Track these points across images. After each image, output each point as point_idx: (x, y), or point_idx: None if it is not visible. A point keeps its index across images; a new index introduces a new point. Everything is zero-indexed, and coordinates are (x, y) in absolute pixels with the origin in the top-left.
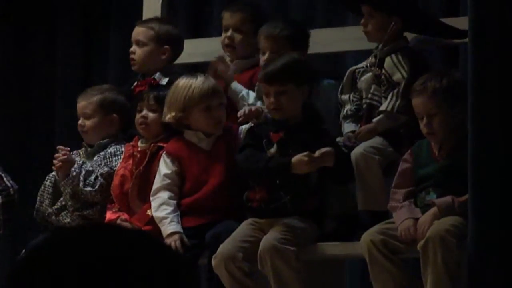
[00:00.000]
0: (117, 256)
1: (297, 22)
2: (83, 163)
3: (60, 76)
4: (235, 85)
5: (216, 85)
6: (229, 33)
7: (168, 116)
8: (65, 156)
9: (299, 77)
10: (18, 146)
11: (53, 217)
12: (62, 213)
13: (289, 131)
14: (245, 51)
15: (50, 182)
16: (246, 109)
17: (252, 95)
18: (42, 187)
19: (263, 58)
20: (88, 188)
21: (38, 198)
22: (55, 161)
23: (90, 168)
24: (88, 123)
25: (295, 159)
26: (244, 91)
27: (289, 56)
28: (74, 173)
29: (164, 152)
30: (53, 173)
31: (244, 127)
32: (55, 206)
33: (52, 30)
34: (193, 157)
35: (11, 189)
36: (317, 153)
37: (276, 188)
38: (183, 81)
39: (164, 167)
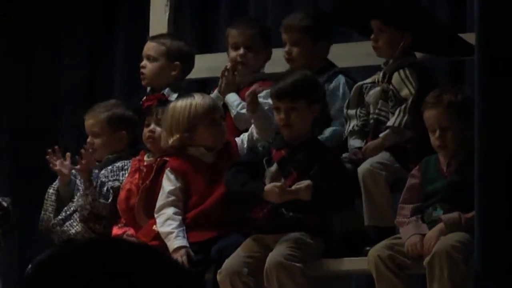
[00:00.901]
0: (124, 270)
1: (319, 11)
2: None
3: (64, 80)
4: (230, 97)
5: (214, 99)
6: (241, 51)
7: (172, 140)
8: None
9: (310, 95)
10: (22, 149)
11: (58, 227)
12: (67, 223)
13: (292, 149)
14: (255, 66)
15: (53, 190)
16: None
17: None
18: (46, 196)
19: (285, 50)
20: (102, 200)
21: (43, 207)
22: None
23: (103, 179)
24: (97, 141)
25: (267, 187)
26: (236, 102)
27: (301, 73)
28: (94, 183)
29: (168, 168)
30: (56, 182)
31: (243, 136)
32: (60, 216)
33: (57, 32)
34: (197, 171)
35: (3, 202)
36: (293, 187)
37: (277, 205)
38: (180, 103)
39: (168, 183)
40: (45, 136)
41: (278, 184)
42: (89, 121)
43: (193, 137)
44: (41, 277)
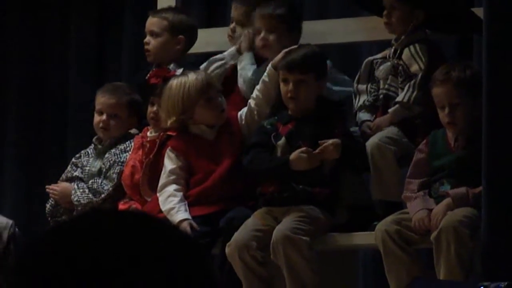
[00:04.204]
0: (131, 242)
1: (290, 2)
2: (81, 180)
3: (72, 56)
4: (249, 58)
5: (209, 75)
6: (232, 25)
7: (170, 122)
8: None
9: (319, 69)
10: (32, 134)
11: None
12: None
13: (298, 123)
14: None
15: (50, 205)
16: None
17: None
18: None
19: (258, 38)
20: (102, 197)
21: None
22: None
23: (107, 164)
24: (113, 122)
25: (293, 156)
26: (255, 71)
27: (310, 47)
28: (82, 201)
29: (169, 147)
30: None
31: (242, 111)
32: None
33: (65, 16)
34: (198, 148)
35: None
36: (318, 149)
37: (287, 180)
38: (175, 82)
39: (169, 162)
40: (54, 112)
41: (303, 149)
42: (111, 101)
43: (191, 117)
44: (31, 253)
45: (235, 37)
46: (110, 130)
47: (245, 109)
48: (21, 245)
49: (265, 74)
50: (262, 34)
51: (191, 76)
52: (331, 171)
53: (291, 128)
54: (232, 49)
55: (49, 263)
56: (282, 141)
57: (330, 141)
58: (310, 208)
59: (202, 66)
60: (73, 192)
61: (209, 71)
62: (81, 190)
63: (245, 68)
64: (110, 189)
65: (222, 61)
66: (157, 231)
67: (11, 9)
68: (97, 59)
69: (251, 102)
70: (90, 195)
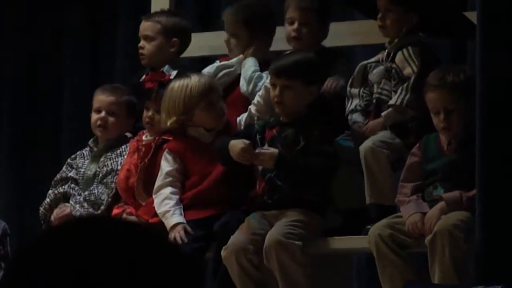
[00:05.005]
0: (116, 254)
1: None
2: (76, 192)
3: (68, 67)
4: (252, 61)
5: (212, 79)
6: (225, 37)
7: (170, 122)
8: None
9: (308, 76)
10: (26, 135)
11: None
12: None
13: (282, 128)
14: (238, 53)
15: (44, 208)
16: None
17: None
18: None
19: (291, 28)
20: (100, 209)
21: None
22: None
23: (104, 170)
24: (112, 120)
25: (233, 142)
26: (256, 70)
27: (303, 54)
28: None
29: (166, 150)
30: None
31: (242, 117)
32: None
33: (60, 17)
34: (195, 151)
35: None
36: (258, 150)
37: (273, 178)
38: (177, 84)
39: (166, 165)
40: (47, 111)
41: (246, 141)
42: (110, 98)
43: (191, 119)
44: (25, 259)
45: (230, 49)
46: (108, 129)
47: (244, 115)
48: (15, 249)
49: (268, 81)
50: (295, 26)
51: (194, 79)
52: (316, 172)
53: (274, 133)
54: (240, 56)
55: (44, 267)
56: (265, 146)
57: (270, 149)
58: (302, 212)
59: (205, 71)
60: (72, 208)
61: (217, 77)
62: (79, 205)
63: (248, 69)
64: (109, 199)
65: (231, 69)
66: (148, 239)
67: (10, 9)
68: (92, 61)
69: (252, 108)
70: (90, 209)
